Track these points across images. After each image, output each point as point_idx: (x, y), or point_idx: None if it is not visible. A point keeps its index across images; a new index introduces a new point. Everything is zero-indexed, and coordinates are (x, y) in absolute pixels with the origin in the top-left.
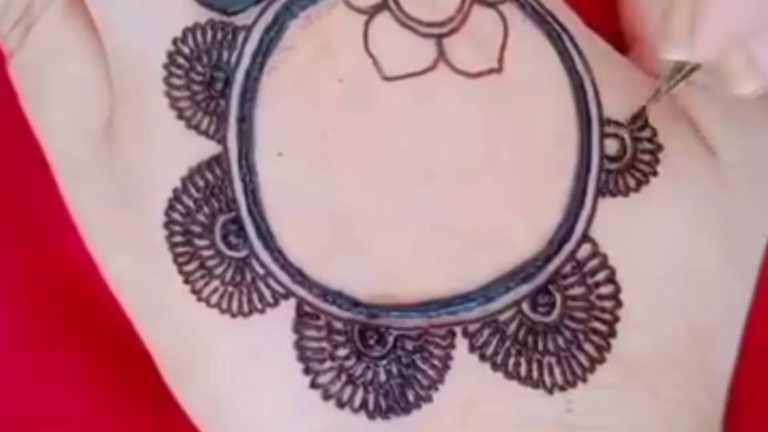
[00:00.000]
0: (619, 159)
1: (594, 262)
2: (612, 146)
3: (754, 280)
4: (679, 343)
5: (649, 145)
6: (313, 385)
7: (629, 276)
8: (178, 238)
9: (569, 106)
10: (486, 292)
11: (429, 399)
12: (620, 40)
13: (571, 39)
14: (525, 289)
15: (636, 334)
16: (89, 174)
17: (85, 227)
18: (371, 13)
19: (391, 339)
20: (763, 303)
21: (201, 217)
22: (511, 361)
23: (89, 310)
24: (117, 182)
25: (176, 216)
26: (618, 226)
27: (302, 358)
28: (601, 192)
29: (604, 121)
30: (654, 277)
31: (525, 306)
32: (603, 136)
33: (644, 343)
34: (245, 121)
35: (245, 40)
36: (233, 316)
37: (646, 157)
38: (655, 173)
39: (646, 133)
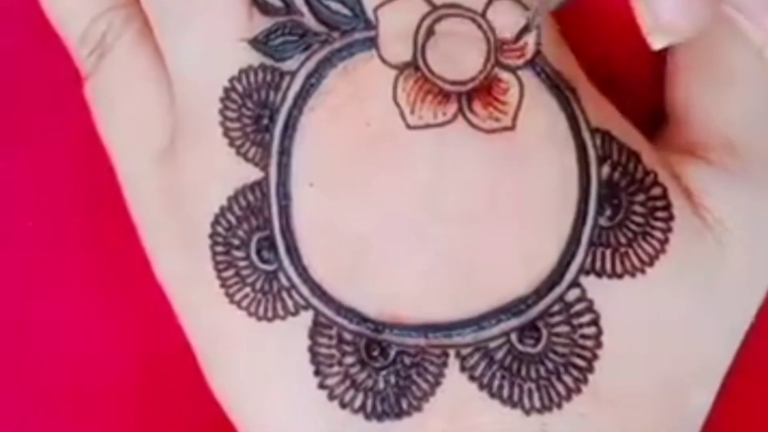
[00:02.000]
0: (615, 217)
1: (580, 306)
2: (608, 206)
3: (738, 343)
4: (651, 388)
5: (661, 214)
6: (321, 386)
7: (611, 323)
8: (219, 248)
9: (572, 167)
10: (479, 322)
11: (419, 408)
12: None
13: (579, 103)
14: (515, 322)
15: (612, 373)
16: (150, 186)
17: (142, 229)
18: (401, 68)
19: (392, 353)
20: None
21: (240, 233)
22: (496, 383)
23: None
24: (173, 195)
25: (220, 229)
26: (608, 283)
27: (314, 361)
28: (602, 268)
29: (602, 183)
30: (635, 329)
31: (513, 337)
32: (600, 196)
33: (619, 383)
34: (285, 153)
35: (290, 83)
36: (259, 319)
37: (658, 234)
38: (663, 251)
39: (657, 191)
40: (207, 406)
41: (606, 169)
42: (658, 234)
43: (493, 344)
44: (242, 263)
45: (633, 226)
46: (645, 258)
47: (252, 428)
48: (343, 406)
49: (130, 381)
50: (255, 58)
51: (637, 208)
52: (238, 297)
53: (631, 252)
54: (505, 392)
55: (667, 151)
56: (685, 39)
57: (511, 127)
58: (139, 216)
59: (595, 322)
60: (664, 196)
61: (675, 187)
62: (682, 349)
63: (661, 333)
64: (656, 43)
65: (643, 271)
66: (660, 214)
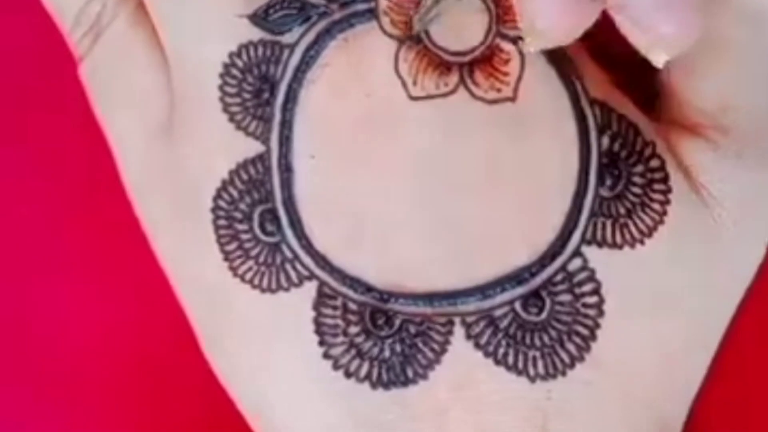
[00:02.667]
0: (615, 187)
1: (582, 275)
2: (608, 177)
3: (731, 312)
4: (651, 356)
5: (660, 186)
6: (326, 356)
7: (612, 292)
8: (222, 222)
9: (572, 138)
10: (484, 291)
11: (425, 377)
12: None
13: (578, 74)
14: (519, 291)
15: (614, 341)
16: (148, 164)
17: (140, 209)
18: (403, 39)
19: (397, 322)
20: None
21: (242, 206)
22: (501, 351)
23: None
24: (172, 172)
25: (222, 203)
26: (609, 253)
27: (319, 332)
28: (603, 238)
29: (602, 154)
30: (635, 298)
31: (517, 305)
32: (600, 166)
33: (620, 351)
34: (286, 126)
35: (289, 56)
36: (263, 291)
37: (656, 206)
38: (662, 222)
39: (655, 163)
40: (207, 387)
41: (606, 140)
42: (657, 206)
43: (497, 312)
44: (245, 236)
45: (632, 197)
46: (644, 229)
47: (254, 402)
48: (348, 375)
49: (129, 364)
50: (255, 34)
51: (637, 179)
52: (241, 270)
53: (630, 223)
54: (510, 360)
55: (663, 125)
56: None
57: (512, 98)
58: (138, 195)
59: (596, 291)
60: (662, 167)
61: (672, 159)
62: (680, 319)
63: (659, 302)
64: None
65: (642, 242)
66: (658, 186)
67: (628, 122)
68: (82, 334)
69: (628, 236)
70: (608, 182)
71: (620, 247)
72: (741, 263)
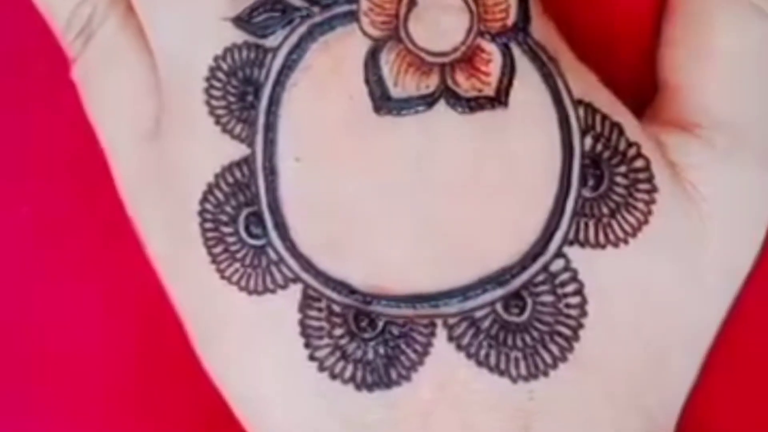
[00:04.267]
0: (597, 188)
1: (565, 276)
2: (591, 177)
3: (721, 313)
4: (635, 356)
5: (644, 186)
6: (312, 358)
7: (596, 292)
8: (208, 225)
9: (555, 138)
10: (465, 292)
11: (408, 378)
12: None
13: (561, 75)
14: (500, 292)
15: (597, 341)
16: (139, 166)
17: (133, 210)
18: (384, 40)
19: (380, 324)
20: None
21: (228, 209)
22: (483, 352)
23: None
24: (162, 174)
25: (208, 206)
26: (591, 253)
27: (304, 334)
28: (586, 238)
29: (584, 154)
30: (619, 299)
31: (499, 306)
32: (583, 167)
33: (604, 351)
34: (270, 129)
35: (272, 59)
36: (249, 293)
37: (640, 205)
38: (646, 222)
39: (640, 163)
40: (201, 387)
41: (589, 141)
42: (641, 205)
43: (479, 314)
44: (231, 239)
45: (616, 197)
46: (628, 229)
47: (244, 402)
48: (333, 377)
49: (125, 365)
50: (238, 36)
51: (620, 180)
52: (228, 272)
53: (614, 222)
54: (492, 360)
55: (656, 124)
56: None
57: (494, 98)
58: (129, 197)
59: (579, 292)
60: (647, 168)
61: (659, 159)
62: (666, 319)
63: (645, 303)
64: None
65: (626, 242)
66: (642, 186)
67: (612, 123)
68: (80, 336)
69: (611, 236)
70: (591, 182)
71: (603, 247)
72: (731, 263)
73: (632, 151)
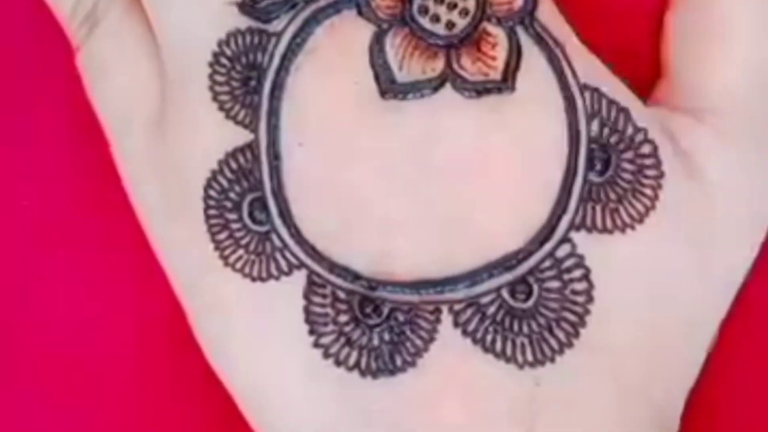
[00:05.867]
0: (604, 173)
1: (571, 261)
2: (598, 162)
3: (728, 299)
4: (643, 341)
5: (651, 171)
6: (316, 344)
7: (602, 278)
8: (212, 212)
9: (561, 123)
10: (471, 278)
11: (414, 364)
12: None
13: (567, 60)
14: (506, 278)
15: (604, 327)
16: (142, 154)
17: (135, 198)
18: (389, 23)
19: (386, 310)
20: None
21: (232, 195)
22: (489, 338)
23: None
24: (165, 161)
25: (212, 192)
26: (598, 238)
27: (309, 321)
28: (593, 223)
29: (591, 139)
30: (626, 284)
31: (504, 292)
32: (590, 152)
33: (611, 337)
34: (273, 114)
35: (276, 44)
36: (253, 280)
37: (648, 191)
38: (654, 207)
39: (647, 149)
40: (206, 378)
41: (595, 126)
42: (648, 191)
43: (484, 299)
44: (235, 225)
45: (623, 183)
46: (635, 214)
47: (247, 390)
48: (338, 364)
49: (128, 357)
50: (242, 22)
51: (627, 165)
52: (232, 259)
53: (621, 208)
54: (498, 347)
55: (662, 109)
56: None
57: (500, 82)
58: (133, 185)
59: (585, 278)
60: (654, 153)
61: (667, 144)
62: (672, 308)
63: (651, 290)
64: None
65: (633, 227)
66: (650, 171)
67: (619, 108)
68: (81, 328)
69: (618, 221)
70: (598, 167)
71: (611, 232)
72: (739, 248)
73: (639, 137)
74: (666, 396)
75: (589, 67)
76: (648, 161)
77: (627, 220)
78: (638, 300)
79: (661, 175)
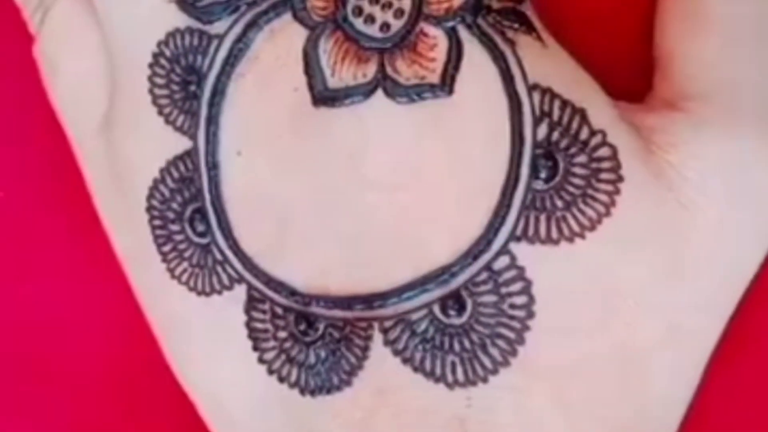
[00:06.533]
0: (551, 180)
1: (510, 274)
2: (543, 169)
3: (727, 311)
4: (600, 361)
5: (608, 176)
6: (261, 360)
7: (545, 291)
8: (156, 222)
9: (504, 127)
10: (401, 293)
11: (349, 383)
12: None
13: (517, 58)
14: (438, 292)
15: (546, 344)
16: (96, 157)
17: (97, 203)
18: (323, 25)
19: (321, 327)
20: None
21: (174, 205)
22: (418, 356)
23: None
24: (114, 167)
25: (155, 203)
26: (541, 251)
27: (251, 336)
28: (536, 233)
29: (537, 144)
30: (573, 298)
31: (436, 308)
32: (534, 158)
33: (554, 355)
34: (212, 121)
35: (217, 48)
36: (198, 294)
37: (602, 196)
38: (608, 214)
39: (604, 152)
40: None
41: (543, 129)
42: (603, 197)
43: (415, 316)
44: (178, 237)
45: (572, 189)
46: (585, 222)
47: (209, 404)
48: (281, 380)
49: (103, 367)
50: (182, 21)
51: (578, 170)
52: (177, 272)
53: (569, 216)
54: (428, 366)
55: (650, 106)
56: None
57: (438, 85)
58: (93, 188)
59: (526, 291)
60: (613, 156)
61: (631, 146)
62: (642, 320)
63: (610, 302)
64: None
65: (582, 236)
66: (606, 175)
67: (574, 109)
68: (50, 330)
69: (566, 230)
70: (543, 174)
71: (556, 242)
72: (728, 253)
73: (596, 140)
74: (640, 417)
75: (543, 65)
76: (605, 165)
77: (576, 228)
78: (592, 315)
79: (619, 179)
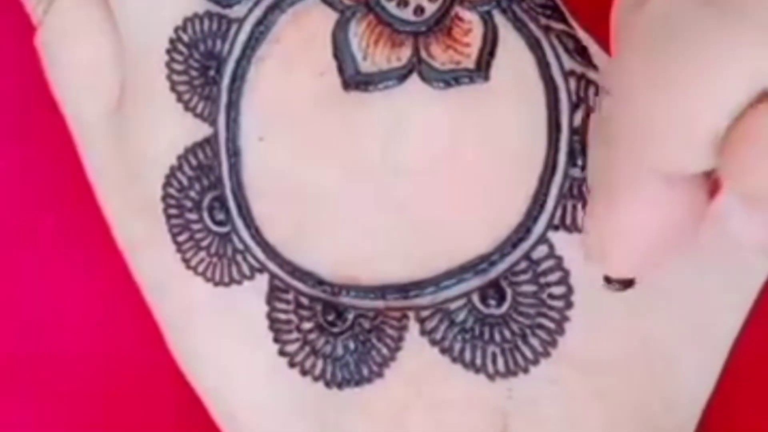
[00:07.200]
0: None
1: (549, 263)
2: (581, 156)
3: (748, 305)
4: (630, 350)
5: None
6: (281, 353)
7: (583, 280)
8: (172, 211)
9: (541, 114)
10: (439, 282)
11: (381, 375)
12: None
13: (551, 44)
14: (476, 282)
15: (584, 335)
16: (103, 144)
17: (99, 192)
18: (353, 9)
19: (350, 317)
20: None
21: (192, 193)
22: (457, 346)
23: None
24: (125, 154)
25: (172, 191)
26: (579, 240)
27: (273, 328)
28: (573, 222)
29: (574, 130)
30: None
31: (475, 297)
32: (572, 144)
33: (592, 345)
34: (233, 106)
35: (237, 31)
36: (216, 285)
37: None
38: None
39: None
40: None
41: (580, 116)
42: None
43: (453, 305)
44: (196, 226)
45: None
46: None
47: (215, 397)
48: (303, 373)
49: (102, 363)
50: (200, 5)
51: None
52: (194, 262)
53: None
54: (468, 356)
55: None
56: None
57: (474, 70)
58: (94, 178)
59: (564, 281)
60: None
61: None
62: (671, 313)
63: (640, 293)
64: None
65: None
66: None
67: None
68: (47, 327)
69: None
70: (581, 162)
71: None
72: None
73: None
74: (668, 409)
75: (579, 51)
76: None
77: None
78: (625, 306)
79: None
